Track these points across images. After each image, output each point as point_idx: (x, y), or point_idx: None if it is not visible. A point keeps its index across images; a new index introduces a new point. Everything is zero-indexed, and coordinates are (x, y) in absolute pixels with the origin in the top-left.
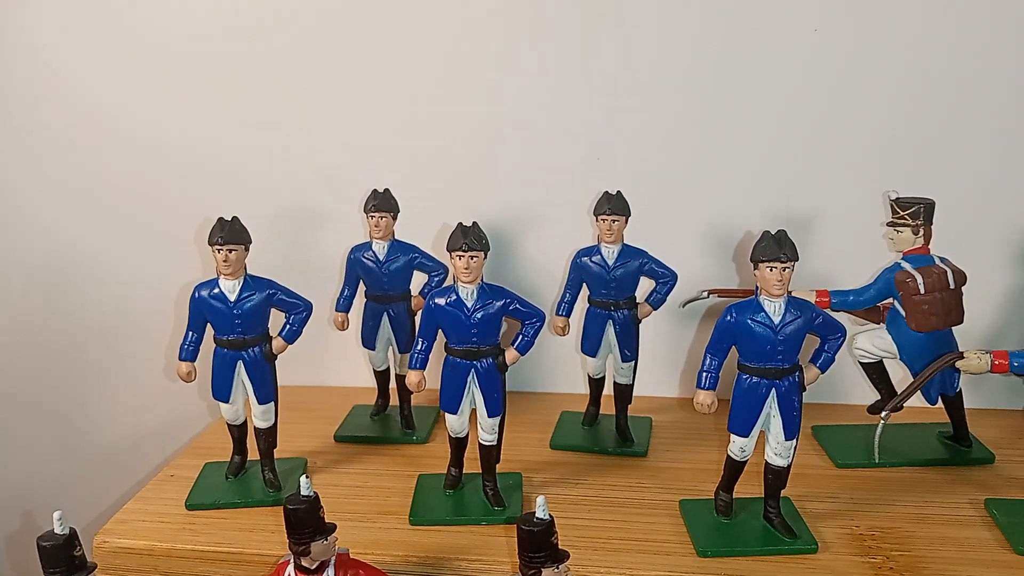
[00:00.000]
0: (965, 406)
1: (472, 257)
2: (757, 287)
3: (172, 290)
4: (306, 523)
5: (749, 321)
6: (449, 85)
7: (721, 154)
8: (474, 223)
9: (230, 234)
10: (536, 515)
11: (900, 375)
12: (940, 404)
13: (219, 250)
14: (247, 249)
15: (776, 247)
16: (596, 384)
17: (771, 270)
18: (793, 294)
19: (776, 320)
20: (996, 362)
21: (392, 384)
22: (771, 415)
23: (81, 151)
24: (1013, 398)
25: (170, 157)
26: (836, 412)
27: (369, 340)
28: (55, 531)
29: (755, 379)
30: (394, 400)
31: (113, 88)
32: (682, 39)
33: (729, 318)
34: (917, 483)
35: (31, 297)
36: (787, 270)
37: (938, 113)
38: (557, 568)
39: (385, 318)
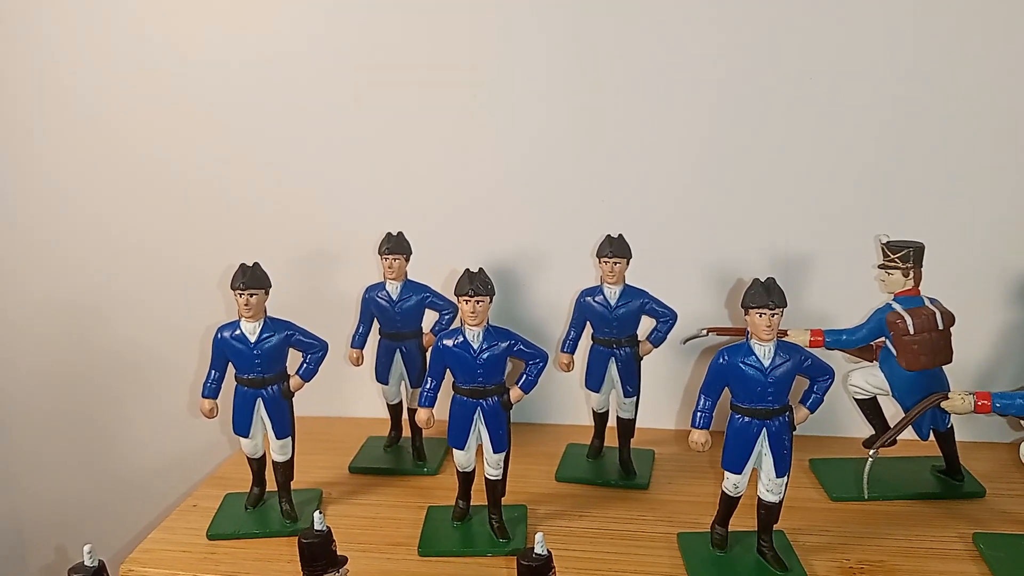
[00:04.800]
0: (958, 439)
1: (478, 301)
2: (748, 330)
3: (197, 329)
4: (319, 556)
5: (740, 364)
6: (461, 134)
7: (721, 197)
8: (480, 269)
9: (251, 279)
10: (535, 551)
11: (892, 411)
12: (933, 438)
13: (240, 294)
14: (267, 293)
15: (765, 295)
16: (600, 418)
17: (760, 316)
18: (789, 333)
19: (766, 363)
20: (979, 403)
21: (405, 417)
22: (762, 453)
23: (115, 193)
24: (1005, 431)
25: (201, 202)
26: (834, 445)
27: (383, 375)
28: (85, 563)
29: (747, 419)
30: (407, 432)
31: (145, 135)
32: (682, 87)
33: (721, 360)
34: (909, 516)
35: (65, 332)
36: (775, 316)
37: (928, 155)
38: None
39: (398, 354)
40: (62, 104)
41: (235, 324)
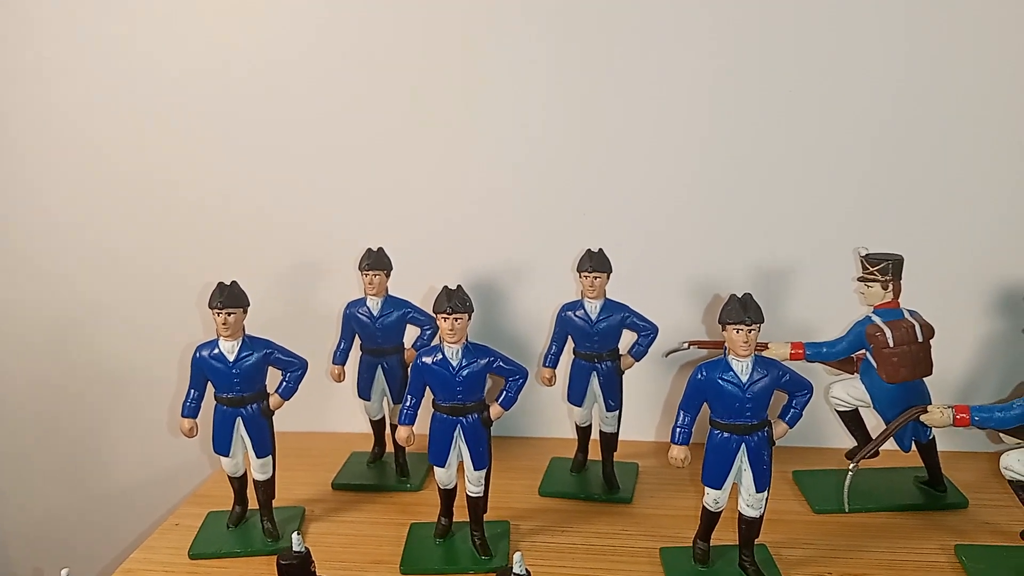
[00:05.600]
0: (940, 449)
1: (456, 319)
2: (726, 346)
3: (178, 345)
4: None
5: (719, 380)
6: (441, 151)
7: (702, 211)
8: (458, 286)
9: (229, 298)
10: (513, 570)
11: (874, 422)
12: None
13: (218, 314)
14: (245, 312)
15: (741, 311)
16: (583, 432)
17: (737, 332)
18: (769, 346)
19: (744, 379)
20: (958, 416)
21: (388, 432)
22: (742, 468)
23: (96, 205)
24: (987, 442)
25: (181, 215)
26: (817, 456)
27: (364, 391)
28: None
29: (726, 434)
30: (390, 448)
31: (127, 147)
32: (666, 100)
33: (700, 376)
34: (891, 529)
35: (46, 346)
36: (752, 332)
37: (909, 168)
38: None
39: (379, 370)
40: (44, 116)
41: (213, 343)
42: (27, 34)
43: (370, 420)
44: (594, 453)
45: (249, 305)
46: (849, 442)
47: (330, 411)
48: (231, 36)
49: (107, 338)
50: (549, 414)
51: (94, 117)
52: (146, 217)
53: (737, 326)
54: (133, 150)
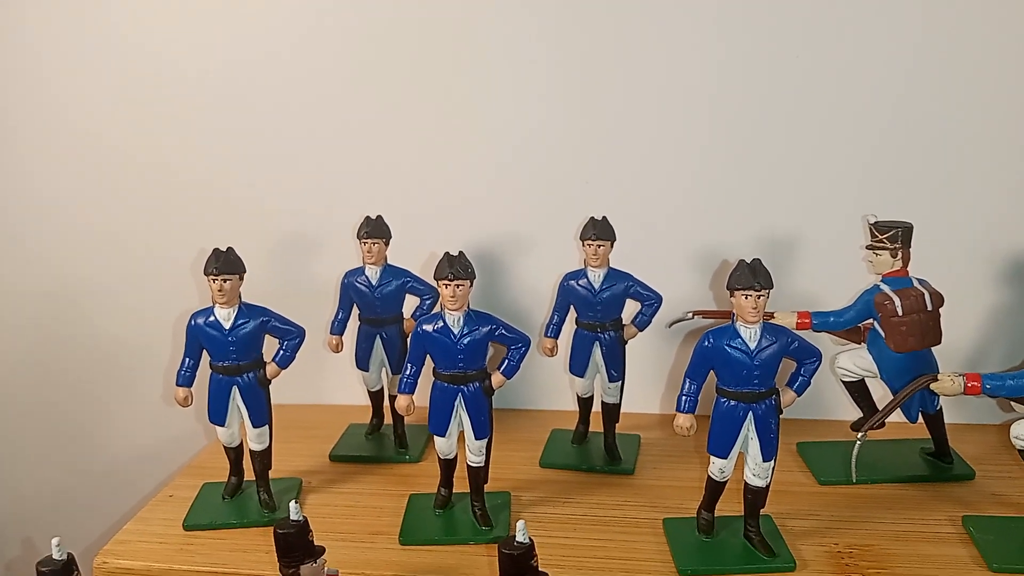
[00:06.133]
0: (947, 421)
1: (458, 285)
2: (734, 313)
3: (171, 316)
4: (295, 547)
5: (726, 346)
6: (440, 118)
7: (706, 178)
8: (460, 252)
9: (224, 264)
10: (516, 539)
11: (880, 393)
12: (922, 420)
13: (214, 280)
14: (241, 278)
15: (750, 276)
16: (585, 403)
17: (746, 298)
18: (776, 315)
19: (752, 346)
20: (969, 384)
21: (386, 404)
22: (749, 437)
23: (85, 180)
24: (994, 413)
25: (173, 188)
26: (822, 428)
27: (363, 362)
28: (53, 556)
29: (732, 403)
30: (388, 419)
31: (117, 121)
32: (668, 66)
33: (707, 343)
34: (898, 500)
35: (36, 321)
36: (761, 298)
37: (917, 136)
38: None
39: (378, 340)
40: (31, 94)
41: (209, 310)
42: (12, 12)
43: (368, 391)
44: (596, 425)
45: (245, 272)
46: (853, 413)
47: (327, 383)
48: (222, 13)
49: (99, 311)
50: (550, 386)
51: (82, 95)
52: (135, 190)
53: (746, 291)
54: (123, 125)
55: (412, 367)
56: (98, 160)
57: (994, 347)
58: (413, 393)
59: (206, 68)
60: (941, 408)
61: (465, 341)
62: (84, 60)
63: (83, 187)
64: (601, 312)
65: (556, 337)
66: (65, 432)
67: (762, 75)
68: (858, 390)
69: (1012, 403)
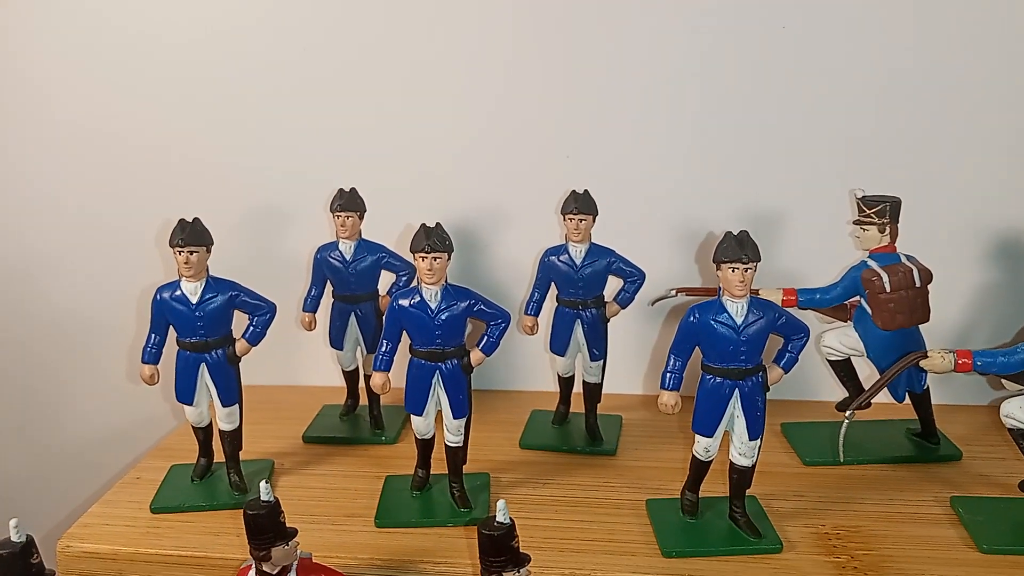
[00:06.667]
0: (933, 402)
1: (435, 258)
2: (720, 287)
3: (135, 291)
4: (266, 528)
5: (712, 322)
6: (416, 84)
7: (690, 152)
8: (437, 224)
9: (191, 236)
10: (496, 519)
11: (867, 372)
12: (908, 401)
13: (180, 252)
14: (208, 251)
15: (738, 248)
16: (566, 383)
17: (733, 271)
18: (761, 292)
19: (739, 321)
20: (960, 361)
21: (361, 384)
22: (735, 415)
23: (45, 151)
24: (981, 394)
25: (134, 157)
26: (806, 409)
27: (337, 340)
28: (11, 539)
29: (718, 379)
30: (363, 400)
31: (76, 88)
32: (651, 41)
33: (692, 319)
34: (884, 481)
35: None
36: (749, 271)
37: (905, 111)
38: (518, 572)
39: (352, 318)
40: None
41: (175, 284)
42: None
43: (343, 371)
44: (576, 406)
45: (213, 244)
46: (838, 394)
47: (300, 363)
48: None
49: (58, 287)
50: (530, 366)
51: (37, 59)
52: (96, 160)
53: (733, 264)
54: (80, 90)
55: (388, 344)
56: (57, 127)
57: (980, 325)
58: (389, 371)
59: (172, 36)
60: (928, 388)
61: (443, 316)
62: (41, 27)
63: (36, 154)
64: (583, 289)
65: (536, 315)
66: (25, 412)
67: (749, 47)
68: (844, 369)
69: (1003, 380)
